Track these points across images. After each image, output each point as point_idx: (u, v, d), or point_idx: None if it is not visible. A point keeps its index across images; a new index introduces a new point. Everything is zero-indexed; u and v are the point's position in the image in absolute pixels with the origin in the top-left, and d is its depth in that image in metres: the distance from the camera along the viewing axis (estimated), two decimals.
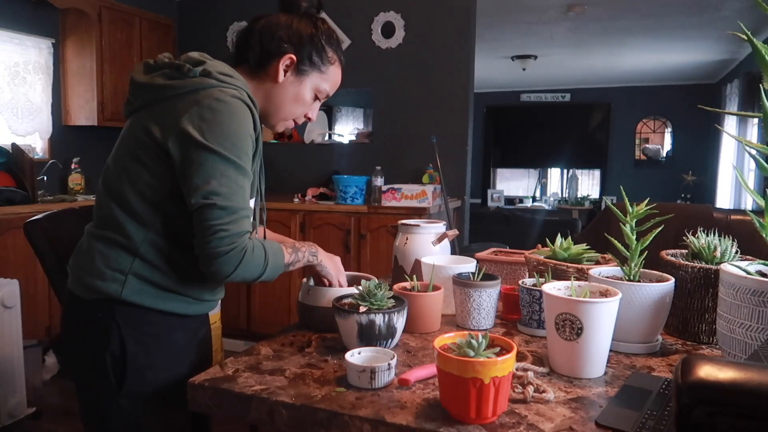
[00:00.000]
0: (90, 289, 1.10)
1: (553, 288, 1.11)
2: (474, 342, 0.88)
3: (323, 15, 1.29)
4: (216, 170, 1.04)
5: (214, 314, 1.91)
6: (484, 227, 5.98)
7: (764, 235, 1.07)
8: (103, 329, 1.10)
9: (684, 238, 1.32)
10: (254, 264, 1.08)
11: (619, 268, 1.24)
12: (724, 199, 7.02)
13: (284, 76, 1.20)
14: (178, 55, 1.21)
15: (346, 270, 1.36)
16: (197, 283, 1.16)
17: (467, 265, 1.42)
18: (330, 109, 4.41)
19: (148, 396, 1.11)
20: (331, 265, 1.30)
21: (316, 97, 1.27)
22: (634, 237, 1.20)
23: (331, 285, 1.30)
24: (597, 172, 9.27)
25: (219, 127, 1.05)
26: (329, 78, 1.25)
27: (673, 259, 1.28)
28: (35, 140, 3.92)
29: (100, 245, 1.11)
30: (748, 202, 6.08)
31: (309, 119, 1.30)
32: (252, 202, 1.21)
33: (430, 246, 1.53)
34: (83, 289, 1.12)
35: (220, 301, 1.60)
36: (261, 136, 1.17)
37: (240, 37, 1.25)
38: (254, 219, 1.28)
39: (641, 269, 1.21)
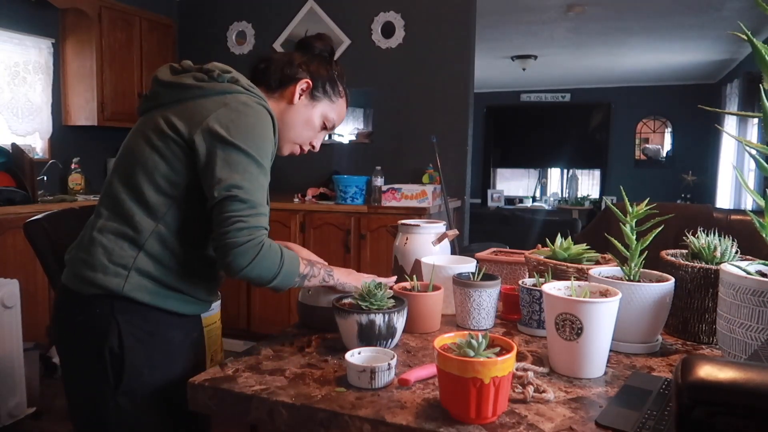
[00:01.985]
0: (90, 284, 1.11)
1: (553, 288, 1.11)
2: (474, 342, 0.88)
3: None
4: (240, 166, 1.08)
5: (214, 314, 1.91)
6: (484, 227, 5.98)
7: (764, 235, 1.07)
8: (101, 325, 1.10)
9: (684, 238, 1.32)
10: (270, 261, 1.09)
11: (619, 268, 1.24)
12: (724, 199, 7.02)
13: (299, 98, 1.28)
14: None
15: None
16: (197, 281, 1.17)
17: (467, 265, 1.42)
18: None
19: (145, 394, 1.12)
20: (351, 279, 1.28)
21: (324, 126, 1.34)
22: (634, 237, 1.20)
23: None
24: (597, 172, 9.27)
25: (245, 128, 1.10)
26: (337, 109, 1.35)
27: (673, 259, 1.28)
28: (35, 140, 3.92)
29: (104, 238, 1.12)
30: (748, 202, 6.09)
31: (313, 147, 1.37)
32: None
33: (430, 246, 1.53)
34: (82, 283, 1.12)
35: (219, 302, 1.60)
36: (276, 147, 1.22)
37: (257, 63, 1.33)
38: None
39: (641, 269, 1.21)
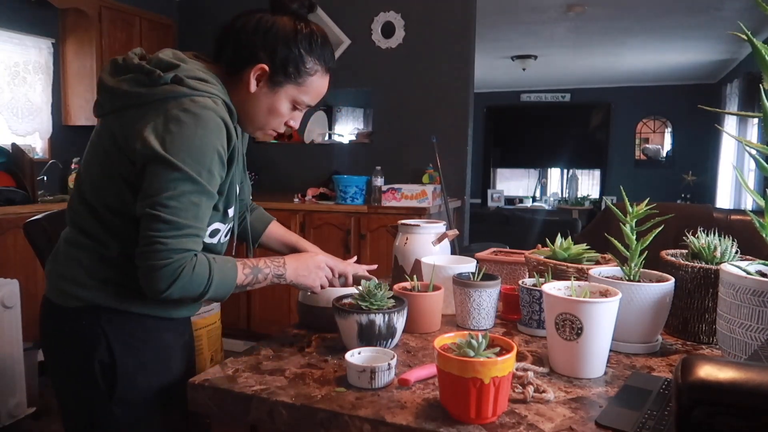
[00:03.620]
0: (72, 298, 1.08)
1: (553, 288, 1.11)
2: (474, 342, 0.88)
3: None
4: (170, 183, 0.98)
5: (214, 314, 1.91)
6: (484, 227, 5.98)
7: (764, 235, 1.07)
8: (89, 337, 1.07)
9: (684, 238, 1.32)
10: (194, 283, 1.01)
11: (619, 268, 1.24)
12: (724, 199, 7.02)
13: (256, 86, 1.12)
14: None
15: None
16: None
17: (467, 265, 1.42)
18: (330, 109, 4.41)
19: (140, 401, 1.09)
20: (309, 280, 1.19)
21: (296, 108, 1.18)
22: (634, 237, 1.20)
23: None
24: (597, 172, 9.26)
25: (182, 140, 0.99)
26: (308, 90, 1.16)
27: (673, 259, 1.28)
28: (35, 140, 3.92)
29: (78, 253, 1.08)
30: (748, 202, 6.08)
31: (291, 128, 1.23)
32: (230, 211, 1.17)
33: (430, 246, 1.53)
34: (64, 297, 1.09)
35: (219, 302, 1.60)
36: (238, 150, 1.10)
37: (220, 32, 1.15)
38: (232, 230, 1.23)
39: (641, 269, 1.21)
